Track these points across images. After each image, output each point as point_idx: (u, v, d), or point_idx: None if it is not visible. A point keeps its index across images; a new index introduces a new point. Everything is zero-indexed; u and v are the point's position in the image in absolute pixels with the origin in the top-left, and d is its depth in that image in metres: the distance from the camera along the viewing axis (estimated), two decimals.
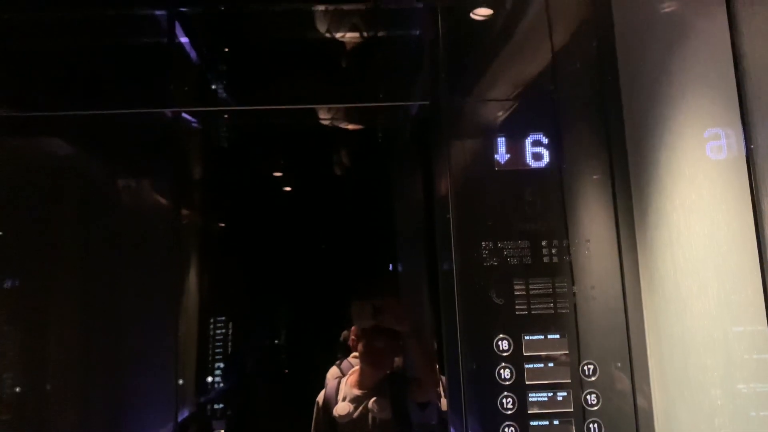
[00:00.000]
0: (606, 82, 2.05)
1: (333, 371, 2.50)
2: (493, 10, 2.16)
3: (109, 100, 2.20)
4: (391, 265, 3.20)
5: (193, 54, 2.32)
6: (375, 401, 2.27)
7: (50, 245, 2.30)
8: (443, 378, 2.24)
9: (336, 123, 2.51)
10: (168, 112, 2.30)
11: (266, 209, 3.10)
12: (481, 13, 2.16)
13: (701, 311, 1.69)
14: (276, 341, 3.72)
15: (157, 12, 2.21)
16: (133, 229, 2.50)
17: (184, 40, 2.26)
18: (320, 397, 2.39)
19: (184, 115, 2.36)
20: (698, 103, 1.68)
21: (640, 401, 1.90)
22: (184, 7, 2.20)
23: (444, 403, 2.23)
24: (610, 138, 2.02)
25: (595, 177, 2.04)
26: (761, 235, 1.47)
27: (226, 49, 2.37)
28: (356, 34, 2.31)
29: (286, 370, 3.69)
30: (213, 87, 2.34)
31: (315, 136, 2.69)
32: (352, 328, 2.41)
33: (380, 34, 2.34)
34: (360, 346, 2.31)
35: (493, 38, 2.19)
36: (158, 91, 2.24)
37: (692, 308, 1.72)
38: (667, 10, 1.81)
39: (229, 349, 3.48)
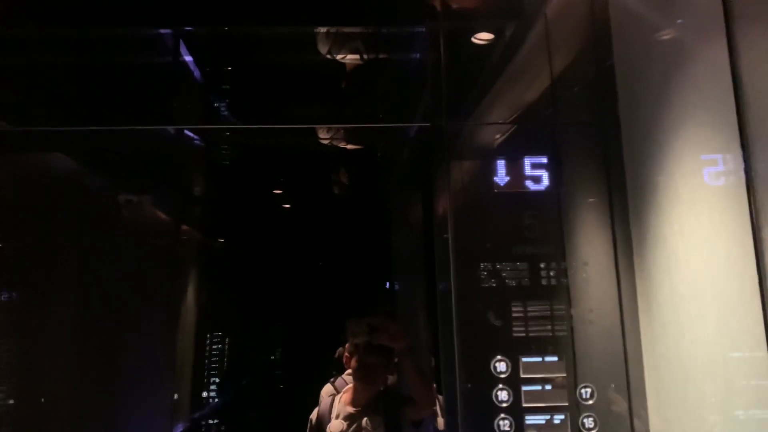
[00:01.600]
0: (605, 107, 2.06)
1: (327, 389, 2.49)
2: (495, 35, 2.19)
3: (112, 116, 2.22)
4: (388, 284, 3.21)
5: (196, 72, 2.34)
6: (368, 419, 2.26)
7: (49, 259, 2.30)
8: (440, 397, 2.24)
9: (336, 142, 2.53)
10: (171, 129, 2.31)
11: (265, 226, 3.10)
12: (483, 37, 2.19)
13: (700, 337, 1.69)
14: (272, 357, 3.71)
15: (163, 31, 2.24)
16: (133, 244, 2.51)
17: (188, 58, 2.28)
18: (313, 415, 2.38)
19: (187, 132, 2.38)
20: (697, 129, 1.70)
21: (637, 426, 1.90)
22: (189, 27, 2.22)
23: (440, 422, 2.22)
24: (609, 162, 2.04)
25: (593, 200, 2.05)
26: (761, 261, 1.47)
27: (229, 68, 2.39)
28: (358, 56, 2.33)
29: (282, 386, 3.69)
30: (215, 105, 2.36)
31: (315, 154, 2.70)
32: (346, 345, 2.41)
33: (382, 56, 2.36)
34: (353, 363, 2.31)
35: (494, 62, 2.21)
36: (161, 108, 2.26)
37: (691, 333, 1.72)
38: (666, 37, 1.84)
39: (225, 365, 3.48)
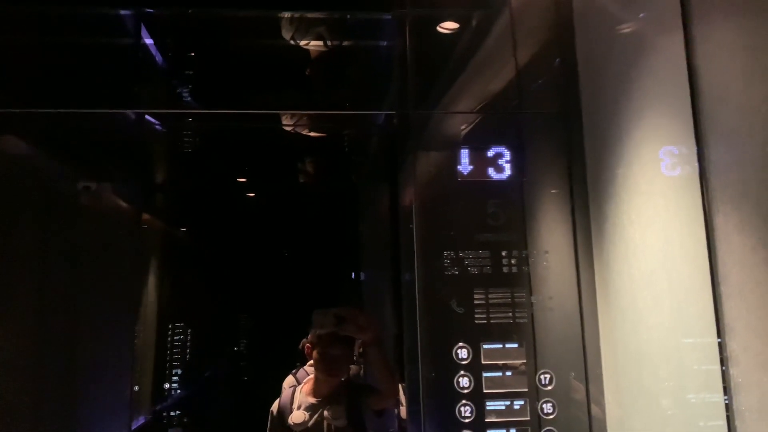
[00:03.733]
0: (568, 99, 2.10)
1: (288, 380, 2.49)
2: (460, 24, 2.19)
3: (69, 99, 2.15)
4: (353, 273, 3.21)
5: (158, 56, 2.28)
6: (330, 409, 2.26)
7: (4, 248, 2.23)
8: (402, 385, 2.25)
9: (302, 130, 2.51)
10: (131, 113, 2.26)
11: (229, 214, 3.07)
12: (448, 26, 2.19)
13: (655, 323, 1.73)
14: (236, 348, 3.68)
15: (123, 12, 2.18)
16: (92, 232, 2.45)
17: (149, 41, 2.23)
18: (274, 407, 2.37)
19: (148, 117, 2.33)
20: (655, 121, 1.74)
21: (594, 410, 1.94)
22: (150, 8, 2.17)
23: (403, 410, 2.23)
24: (571, 153, 2.07)
25: (554, 190, 2.09)
26: (712, 249, 1.51)
27: (192, 53, 2.34)
28: (323, 43, 2.32)
29: (245, 378, 3.66)
30: (178, 90, 2.31)
31: (280, 142, 2.68)
32: (309, 335, 2.40)
33: (347, 43, 2.35)
34: (314, 354, 2.30)
35: (459, 52, 2.22)
36: (121, 91, 2.20)
37: (647, 320, 1.77)
38: (627, 30, 1.87)
39: (188, 356, 3.44)
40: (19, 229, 2.28)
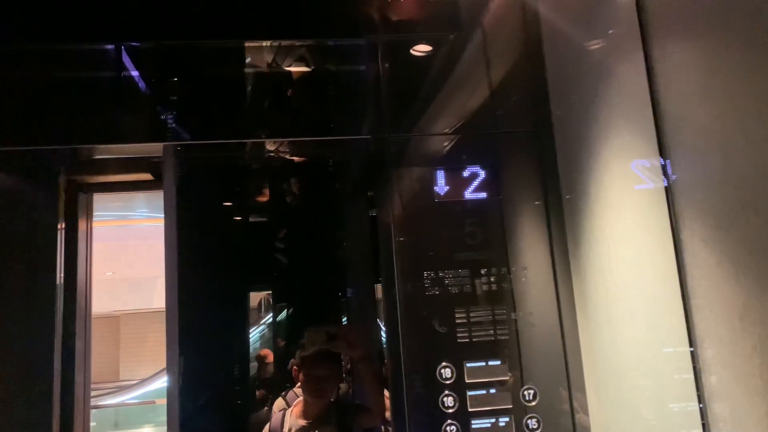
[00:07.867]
0: (540, 118, 2.14)
1: (278, 403, 2.49)
2: (432, 47, 2.24)
3: (55, 133, 2.17)
4: (340, 293, 3.22)
5: (142, 85, 2.30)
6: (321, 431, 2.27)
7: None
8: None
9: (282, 154, 2.54)
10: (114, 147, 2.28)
11: (216, 238, 3.09)
12: (421, 49, 2.23)
13: (632, 335, 1.76)
14: (228, 372, 3.68)
15: (107, 46, 2.20)
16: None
17: (134, 73, 2.25)
18: (265, 431, 2.38)
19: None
20: (622, 138, 1.78)
21: (578, 423, 1.96)
22: (134, 42, 2.19)
23: (390, 431, 2.25)
24: (545, 171, 2.11)
25: (531, 207, 2.12)
26: (680, 263, 1.55)
27: (175, 79, 2.35)
28: (305, 69, 2.35)
29: (239, 401, 3.65)
30: (162, 119, 2.32)
31: (265, 168, 2.70)
32: (295, 357, 2.41)
33: (330, 66, 2.38)
34: (301, 376, 2.31)
35: (433, 74, 2.26)
36: (104, 124, 2.21)
37: (623, 332, 1.80)
38: (592, 48, 1.91)
39: (181, 382, 3.43)
40: (3, 266, 2.27)
